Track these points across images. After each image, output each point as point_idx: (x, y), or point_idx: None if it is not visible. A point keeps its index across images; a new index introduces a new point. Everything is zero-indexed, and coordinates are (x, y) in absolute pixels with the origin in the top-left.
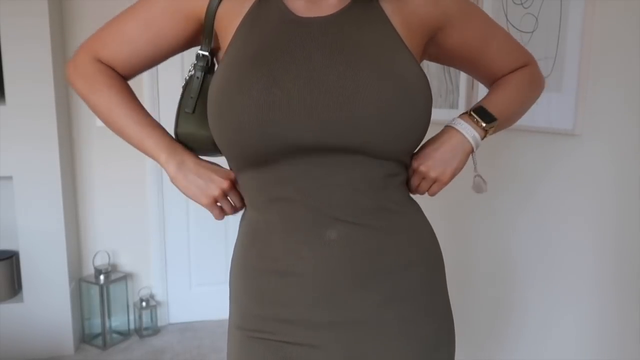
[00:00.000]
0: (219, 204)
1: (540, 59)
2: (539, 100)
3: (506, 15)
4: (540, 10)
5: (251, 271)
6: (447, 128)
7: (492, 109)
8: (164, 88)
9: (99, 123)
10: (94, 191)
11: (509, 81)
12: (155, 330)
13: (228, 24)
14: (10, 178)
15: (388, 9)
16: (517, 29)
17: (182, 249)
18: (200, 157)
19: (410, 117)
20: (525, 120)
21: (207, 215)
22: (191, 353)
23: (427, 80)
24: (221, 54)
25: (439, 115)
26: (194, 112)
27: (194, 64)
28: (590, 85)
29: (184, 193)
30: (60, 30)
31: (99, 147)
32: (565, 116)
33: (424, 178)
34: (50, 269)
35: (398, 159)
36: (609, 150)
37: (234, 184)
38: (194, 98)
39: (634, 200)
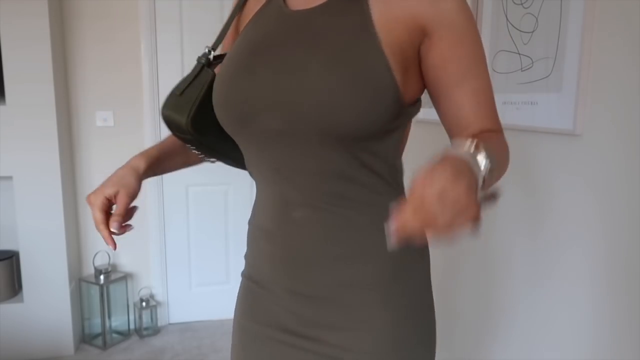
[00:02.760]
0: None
1: (540, 59)
2: (539, 100)
3: (506, 15)
4: (540, 10)
5: (250, 229)
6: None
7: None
8: (164, 91)
9: (99, 123)
10: None
11: (491, 138)
12: (155, 330)
13: (242, 26)
14: (10, 178)
15: (375, 6)
16: (517, 29)
17: (182, 249)
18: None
19: (356, 107)
20: (525, 120)
21: (207, 215)
22: (191, 353)
23: (389, 74)
24: None
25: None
26: (181, 94)
27: (200, 55)
28: (590, 85)
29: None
30: (60, 30)
31: (99, 147)
32: (565, 116)
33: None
34: (50, 269)
35: (360, 148)
36: (609, 150)
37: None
38: (187, 82)
39: (634, 200)
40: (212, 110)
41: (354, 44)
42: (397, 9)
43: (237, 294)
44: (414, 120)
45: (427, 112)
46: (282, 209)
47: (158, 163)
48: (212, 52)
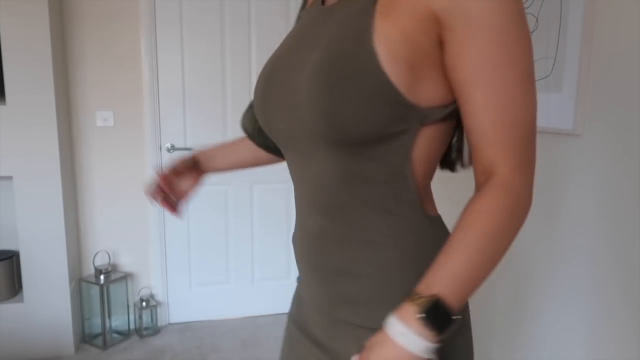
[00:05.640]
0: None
1: (540, 59)
2: (539, 100)
3: None
4: (540, 10)
5: None
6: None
7: (451, 295)
8: (164, 91)
9: (99, 123)
10: (94, 191)
11: (475, 226)
12: (155, 330)
13: None
14: (10, 178)
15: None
16: None
17: (182, 249)
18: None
19: (343, 109)
20: None
21: (207, 215)
22: (191, 353)
23: (379, 72)
24: None
25: None
26: (251, 107)
27: None
28: (590, 85)
29: None
30: (60, 30)
31: (99, 147)
32: (565, 116)
33: None
34: (50, 269)
35: (355, 153)
36: (609, 150)
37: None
38: None
39: (634, 200)
40: None
41: (345, 39)
42: (406, 5)
43: None
44: None
45: None
46: (299, 214)
47: (215, 153)
48: None
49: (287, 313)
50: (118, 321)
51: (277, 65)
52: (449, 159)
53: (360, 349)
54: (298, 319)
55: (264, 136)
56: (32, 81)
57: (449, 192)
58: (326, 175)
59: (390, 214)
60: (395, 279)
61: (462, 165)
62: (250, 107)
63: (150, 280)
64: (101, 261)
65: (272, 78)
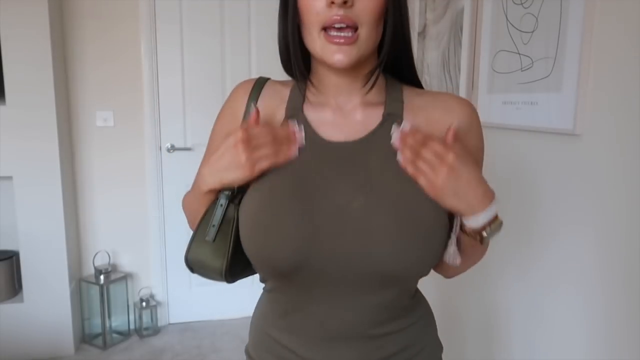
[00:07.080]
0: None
1: (540, 59)
2: (539, 100)
3: (506, 15)
4: (540, 10)
5: (268, 340)
6: None
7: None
8: (164, 91)
9: (99, 123)
10: (94, 191)
11: None
12: (155, 330)
13: None
14: (10, 178)
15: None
16: (517, 29)
17: (182, 249)
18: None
19: (425, 252)
20: (525, 120)
21: None
22: (191, 353)
23: (444, 212)
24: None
25: None
26: (214, 240)
27: (218, 192)
28: (590, 85)
29: (220, 183)
30: (60, 30)
31: (99, 147)
32: (565, 116)
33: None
34: (50, 269)
35: (418, 280)
36: (609, 150)
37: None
38: (216, 226)
39: (633, 200)
40: (241, 247)
41: (413, 194)
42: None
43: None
44: None
45: None
46: (321, 337)
47: None
48: (235, 189)
49: None
50: (118, 321)
51: (319, 208)
52: None
53: None
54: None
55: (233, 273)
56: (32, 81)
57: None
58: (381, 302)
59: (419, 300)
60: (432, 324)
61: None
62: (203, 242)
63: (150, 280)
64: (101, 261)
65: (319, 221)
